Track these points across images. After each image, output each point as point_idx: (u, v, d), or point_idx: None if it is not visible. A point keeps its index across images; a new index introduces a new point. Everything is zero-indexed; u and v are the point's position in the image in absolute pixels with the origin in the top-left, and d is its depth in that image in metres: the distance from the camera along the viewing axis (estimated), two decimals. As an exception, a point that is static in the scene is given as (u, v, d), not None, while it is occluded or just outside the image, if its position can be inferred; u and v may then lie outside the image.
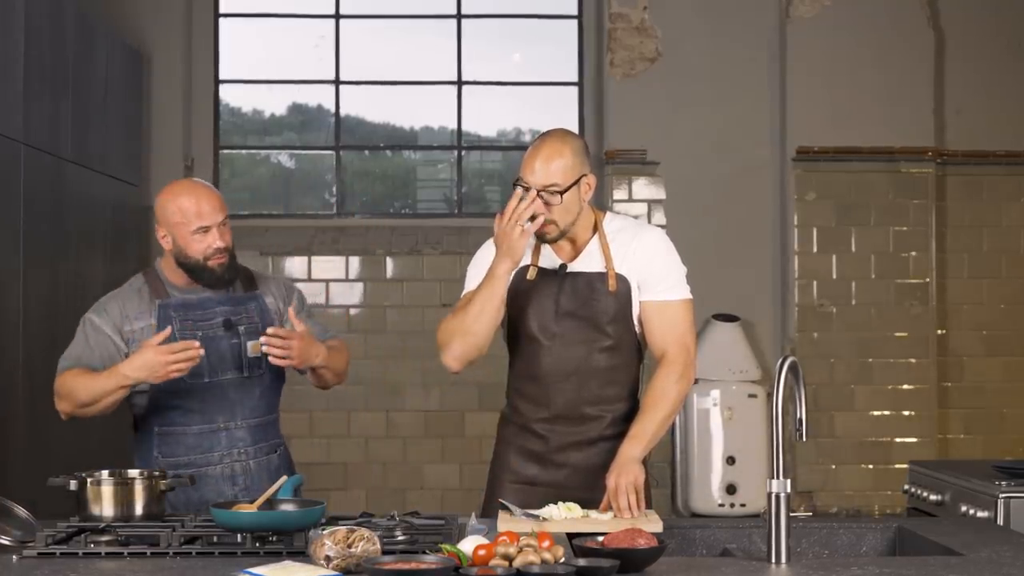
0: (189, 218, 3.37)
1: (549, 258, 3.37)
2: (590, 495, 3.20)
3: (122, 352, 3.38)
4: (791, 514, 2.61)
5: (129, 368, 3.24)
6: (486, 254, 3.42)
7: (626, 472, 3.13)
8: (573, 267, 3.35)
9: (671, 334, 3.32)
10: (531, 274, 3.35)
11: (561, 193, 3.22)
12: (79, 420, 3.47)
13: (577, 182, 3.25)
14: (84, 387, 3.31)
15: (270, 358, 3.34)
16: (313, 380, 3.61)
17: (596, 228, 3.36)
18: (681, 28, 6.97)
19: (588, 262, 3.34)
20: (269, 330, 3.33)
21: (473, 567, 2.35)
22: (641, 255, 3.32)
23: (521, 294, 3.36)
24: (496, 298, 3.23)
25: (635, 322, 3.35)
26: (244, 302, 3.51)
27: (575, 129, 7.20)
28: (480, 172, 7.59)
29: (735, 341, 6.77)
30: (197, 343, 3.24)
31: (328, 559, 2.38)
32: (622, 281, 3.31)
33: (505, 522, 2.85)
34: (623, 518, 3.04)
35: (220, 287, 3.47)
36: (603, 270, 3.32)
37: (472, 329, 3.25)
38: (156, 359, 3.20)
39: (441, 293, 6.93)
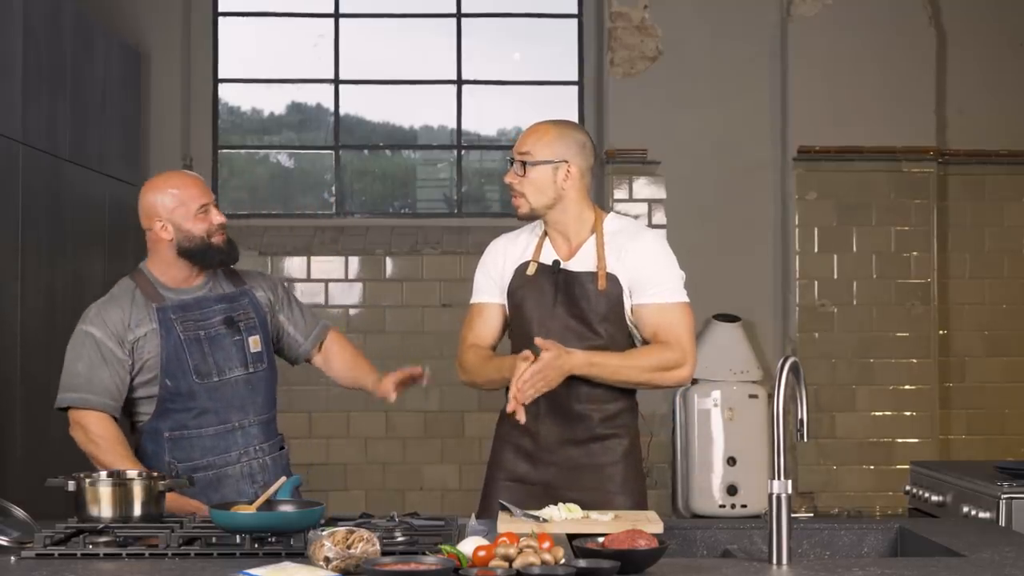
0: (187, 200, 3.38)
1: (549, 255, 3.38)
2: (580, 495, 3.20)
3: (126, 366, 3.35)
4: (792, 515, 2.60)
5: None
6: (493, 255, 3.48)
7: (557, 368, 3.12)
8: (568, 265, 3.35)
9: (670, 334, 3.29)
10: (531, 269, 3.38)
11: (528, 164, 3.30)
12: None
13: (553, 164, 3.30)
14: (106, 455, 3.31)
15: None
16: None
17: (595, 228, 3.36)
18: (682, 27, 6.96)
19: (582, 261, 3.35)
20: None
21: (473, 568, 2.34)
22: (635, 257, 3.31)
23: (521, 288, 3.39)
24: None
25: (629, 323, 3.34)
26: (237, 298, 3.51)
27: (575, 128, 7.20)
28: (480, 172, 7.58)
29: (736, 341, 6.75)
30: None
31: (327, 560, 2.37)
32: (612, 281, 3.30)
33: (505, 523, 2.83)
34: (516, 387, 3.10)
35: (228, 263, 3.48)
36: (595, 269, 3.32)
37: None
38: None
39: (441, 293, 6.91)
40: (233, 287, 3.53)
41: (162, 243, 3.40)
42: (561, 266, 3.35)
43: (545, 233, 3.42)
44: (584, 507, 3.01)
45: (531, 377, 3.11)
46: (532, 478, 3.36)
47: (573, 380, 3.28)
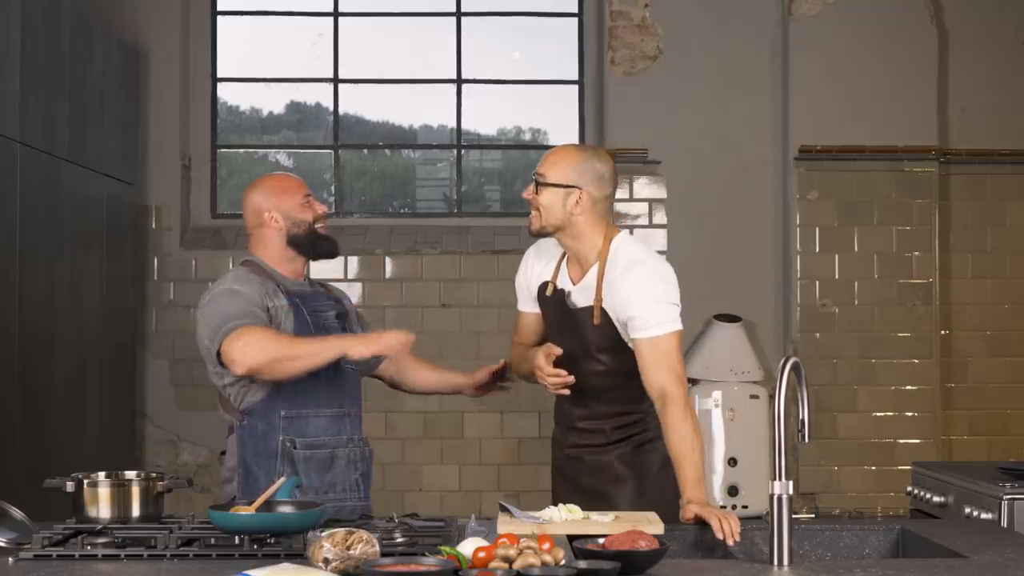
0: (292, 190, 3.53)
1: (564, 278, 3.48)
2: (581, 498, 3.26)
3: (263, 321, 3.34)
4: (793, 516, 2.59)
5: (361, 344, 3.27)
6: (523, 268, 3.62)
7: (711, 509, 3.10)
8: (573, 293, 3.43)
9: (665, 371, 3.30)
10: (549, 290, 3.49)
11: (541, 185, 3.36)
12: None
13: (565, 189, 3.34)
14: (295, 342, 3.28)
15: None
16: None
17: (600, 256, 3.40)
18: (682, 26, 6.95)
19: (584, 292, 3.41)
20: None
21: (473, 569, 2.33)
22: (620, 294, 3.35)
23: (543, 307, 3.54)
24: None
25: (631, 347, 3.38)
26: (340, 302, 3.65)
27: (575, 128, 7.19)
28: (480, 171, 7.56)
29: (737, 341, 6.73)
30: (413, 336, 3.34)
31: (327, 561, 2.36)
32: (605, 315, 3.38)
33: (505, 524, 2.82)
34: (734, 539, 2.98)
35: (332, 254, 3.59)
36: (591, 304, 3.38)
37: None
38: (397, 338, 3.28)
39: (440, 293, 6.90)
40: (328, 292, 3.66)
41: (272, 234, 3.52)
42: (566, 294, 3.44)
43: (565, 254, 3.51)
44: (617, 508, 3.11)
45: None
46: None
47: (582, 398, 3.43)
